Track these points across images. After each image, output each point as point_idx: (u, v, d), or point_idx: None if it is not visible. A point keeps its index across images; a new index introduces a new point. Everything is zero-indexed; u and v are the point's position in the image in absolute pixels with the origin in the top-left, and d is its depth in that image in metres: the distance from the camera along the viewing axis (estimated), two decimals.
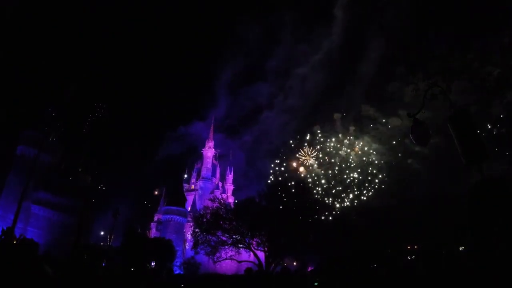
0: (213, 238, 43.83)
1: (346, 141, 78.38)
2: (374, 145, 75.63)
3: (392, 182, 71.27)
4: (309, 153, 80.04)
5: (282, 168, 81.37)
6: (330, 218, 58.92)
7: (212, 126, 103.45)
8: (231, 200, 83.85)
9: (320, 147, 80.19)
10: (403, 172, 70.31)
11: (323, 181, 74.60)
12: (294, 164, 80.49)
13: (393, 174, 71.85)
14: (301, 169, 78.73)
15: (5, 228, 40.83)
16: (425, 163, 67.35)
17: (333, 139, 79.34)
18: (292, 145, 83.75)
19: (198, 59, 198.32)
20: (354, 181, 74.08)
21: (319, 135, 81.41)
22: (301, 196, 46.31)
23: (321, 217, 50.70)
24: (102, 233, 75.38)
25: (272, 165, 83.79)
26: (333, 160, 76.81)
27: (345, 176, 74.18)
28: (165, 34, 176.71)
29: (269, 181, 72.47)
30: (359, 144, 76.83)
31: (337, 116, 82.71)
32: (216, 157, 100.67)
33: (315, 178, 75.36)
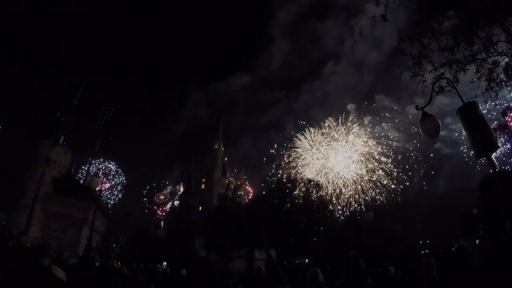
0: (224, 236, 43.66)
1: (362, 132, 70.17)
2: (394, 134, 70.25)
3: (417, 173, 67.50)
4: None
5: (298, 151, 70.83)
6: (342, 215, 57.89)
7: (220, 127, 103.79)
8: (243, 198, 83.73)
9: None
10: (431, 159, 67.22)
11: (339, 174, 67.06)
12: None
13: (420, 163, 68.29)
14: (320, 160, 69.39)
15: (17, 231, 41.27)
16: (456, 147, 64.95)
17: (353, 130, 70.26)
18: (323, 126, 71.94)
19: None
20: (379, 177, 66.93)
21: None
22: (312, 194, 45.95)
23: (333, 214, 50.17)
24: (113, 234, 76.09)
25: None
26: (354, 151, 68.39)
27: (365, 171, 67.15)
28: None
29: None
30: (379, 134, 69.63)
31: (351, 106, 75.81)
32: (226, 155, 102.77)
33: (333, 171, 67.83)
